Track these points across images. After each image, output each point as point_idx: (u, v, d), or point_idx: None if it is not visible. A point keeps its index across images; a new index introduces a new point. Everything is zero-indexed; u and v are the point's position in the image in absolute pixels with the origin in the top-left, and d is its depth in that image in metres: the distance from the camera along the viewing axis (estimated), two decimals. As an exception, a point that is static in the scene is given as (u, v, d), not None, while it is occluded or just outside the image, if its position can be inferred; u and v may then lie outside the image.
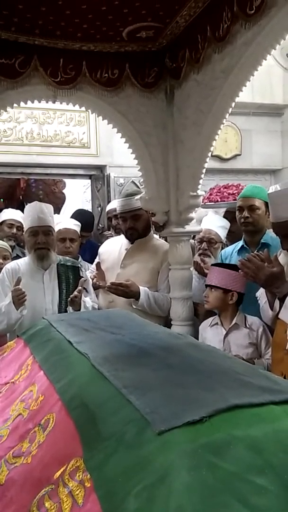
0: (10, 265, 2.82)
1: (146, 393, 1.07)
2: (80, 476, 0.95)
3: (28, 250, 2.80)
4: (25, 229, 2.84)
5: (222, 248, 2.96)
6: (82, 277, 2.83)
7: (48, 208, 2.80)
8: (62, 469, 1.02)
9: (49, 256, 2.73)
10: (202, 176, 2.55)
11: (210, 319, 2.44)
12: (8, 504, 1.09)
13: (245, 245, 2.65)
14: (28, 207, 2.83)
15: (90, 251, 3.79)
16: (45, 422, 1.28)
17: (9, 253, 3.27)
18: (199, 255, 2.86)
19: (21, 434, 1.34)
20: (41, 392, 1.45)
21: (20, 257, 3.61)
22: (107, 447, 0.96)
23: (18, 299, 2.53)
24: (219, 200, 3.38)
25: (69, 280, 2.78)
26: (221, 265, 2.47)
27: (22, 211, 5.12)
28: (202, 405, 0.95)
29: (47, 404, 1.36)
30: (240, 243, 2.70)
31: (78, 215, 4.10)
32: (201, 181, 2.58)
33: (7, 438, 1.37)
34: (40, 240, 2.70)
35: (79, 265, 2.91)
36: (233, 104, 2.21)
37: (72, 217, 3.94)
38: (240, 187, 3.36)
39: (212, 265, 2.54)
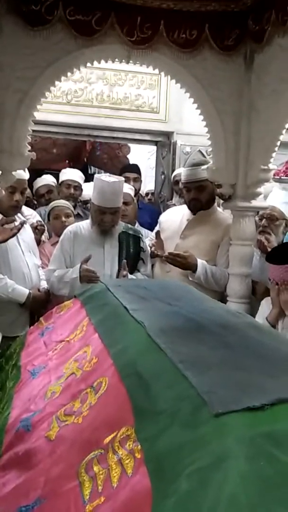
0: (72, 227, 2.83)
1: (203, 371, 1.03)
2: (131, 446, 0.94)
3: (92, 221, 2.76)
4: (91, 200, 2.79)
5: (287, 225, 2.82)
6: (142, 247, 2.82)
7: (120, 185, 2.71)
8: (112, 435, 1.02)
9: (112, 232, 2.73)
10: (276, 149, 2.41)
11: None
12: (57, 460, 1.11)
13: None
14: (98, 182, 2.70)
15: (149, 216, 3.78)
16: (98, 385, 1.29)
17: (71, 211, 3.31)
18: (259, 232, 2.74)
19: (73, 393, 1.36)
20: (95, 355, 1.46)
21: (81, 216, 3.67)
22: (160, 421, 0.94)
23: (89, 280, 2.53)
24: None
25: (129, 248, 2.78)
26: None
27: (85, 173, 5.15)
28: (263, 391, 0.91)
29: (100, 367, 1.36)
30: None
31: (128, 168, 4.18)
32: (273, 155, 2.44)
33: (59, 395, 1.40)
34: (106, 220, 2.68)
35: (140, 235, 2.90)
36: None
37: (121, 174, 3.90)
38: None
39: None
